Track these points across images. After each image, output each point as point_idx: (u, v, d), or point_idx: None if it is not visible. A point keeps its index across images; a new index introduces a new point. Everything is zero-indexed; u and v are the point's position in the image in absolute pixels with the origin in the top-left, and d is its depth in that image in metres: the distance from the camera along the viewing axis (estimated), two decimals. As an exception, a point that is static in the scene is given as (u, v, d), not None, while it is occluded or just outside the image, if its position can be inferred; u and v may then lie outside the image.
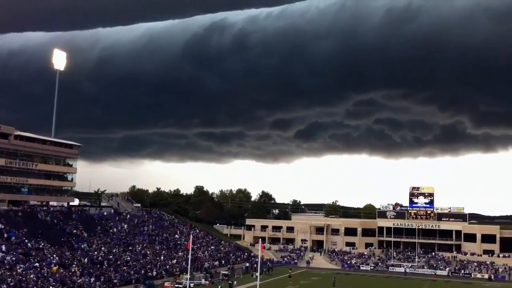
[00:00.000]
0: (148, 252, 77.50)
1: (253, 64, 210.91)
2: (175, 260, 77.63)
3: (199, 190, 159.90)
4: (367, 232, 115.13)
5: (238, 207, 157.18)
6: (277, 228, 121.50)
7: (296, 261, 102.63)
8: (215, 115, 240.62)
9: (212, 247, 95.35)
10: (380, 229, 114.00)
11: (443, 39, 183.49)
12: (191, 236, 68.01)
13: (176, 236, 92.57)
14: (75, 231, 74.46)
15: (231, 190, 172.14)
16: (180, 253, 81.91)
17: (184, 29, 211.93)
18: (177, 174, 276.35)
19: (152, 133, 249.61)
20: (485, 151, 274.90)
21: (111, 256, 69.60)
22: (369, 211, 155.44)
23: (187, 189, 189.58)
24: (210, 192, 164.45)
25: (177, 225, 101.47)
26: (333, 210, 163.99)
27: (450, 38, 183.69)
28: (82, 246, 69.91)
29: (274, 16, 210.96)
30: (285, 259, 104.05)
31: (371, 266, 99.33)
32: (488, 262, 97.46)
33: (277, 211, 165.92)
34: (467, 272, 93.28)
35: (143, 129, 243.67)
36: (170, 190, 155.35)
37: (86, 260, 64.75)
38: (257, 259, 79.21)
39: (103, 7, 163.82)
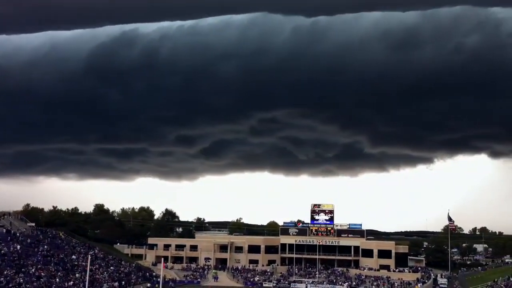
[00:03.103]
0: (43, 274, 73.34)
1: (158, 79, 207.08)
2: (71, 282, 73.87)
3: (99, 208, 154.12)
4: (270, 249, 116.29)
5: (140, 225, 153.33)
6: (180, 247, 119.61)
7: (199, 280, 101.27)
8: (117, 130, 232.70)
9: (111, 267, 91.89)
10: (283, 246, 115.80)
11: (344, 61, 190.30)
12: (90, 257, 65.28)
13: (73, 256, 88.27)
14: (-40, 253, 69.09)
15: (133, 208, 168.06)
16: (77, 275, 78.09)
17: (90, 40, 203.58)
18: (75, 192, 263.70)
19: (48, 149, 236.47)
20: (379, 170, 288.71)
21: (2, 279, 65.33)
22: (272, 228, 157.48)
23: (86, 207, 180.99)
24: (111, 211, 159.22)
25: (75, 245, 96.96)
26: (237, 227, 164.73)
27: (351, 60, 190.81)
28: (-32, 269, 64.96)
29: (185, 30, 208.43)
30: (188, 278, 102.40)
31: (273, 283, 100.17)
32: (384, 277, 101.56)
33: (180, 229, 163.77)
34: (365, 287, 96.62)
35: (38, 144, 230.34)
36: (67, 209, 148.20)
37: (-28, 284, 60.19)
38: (159, 279, 77.33)
39: (12, 11, 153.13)
